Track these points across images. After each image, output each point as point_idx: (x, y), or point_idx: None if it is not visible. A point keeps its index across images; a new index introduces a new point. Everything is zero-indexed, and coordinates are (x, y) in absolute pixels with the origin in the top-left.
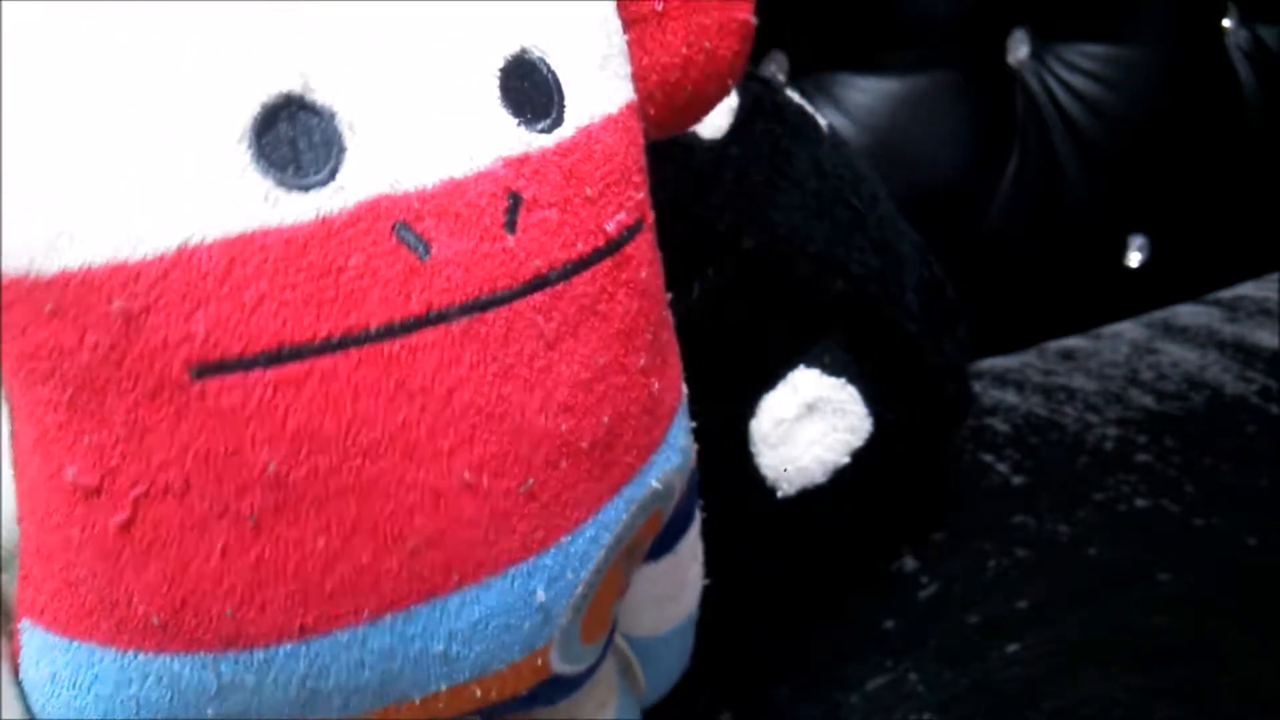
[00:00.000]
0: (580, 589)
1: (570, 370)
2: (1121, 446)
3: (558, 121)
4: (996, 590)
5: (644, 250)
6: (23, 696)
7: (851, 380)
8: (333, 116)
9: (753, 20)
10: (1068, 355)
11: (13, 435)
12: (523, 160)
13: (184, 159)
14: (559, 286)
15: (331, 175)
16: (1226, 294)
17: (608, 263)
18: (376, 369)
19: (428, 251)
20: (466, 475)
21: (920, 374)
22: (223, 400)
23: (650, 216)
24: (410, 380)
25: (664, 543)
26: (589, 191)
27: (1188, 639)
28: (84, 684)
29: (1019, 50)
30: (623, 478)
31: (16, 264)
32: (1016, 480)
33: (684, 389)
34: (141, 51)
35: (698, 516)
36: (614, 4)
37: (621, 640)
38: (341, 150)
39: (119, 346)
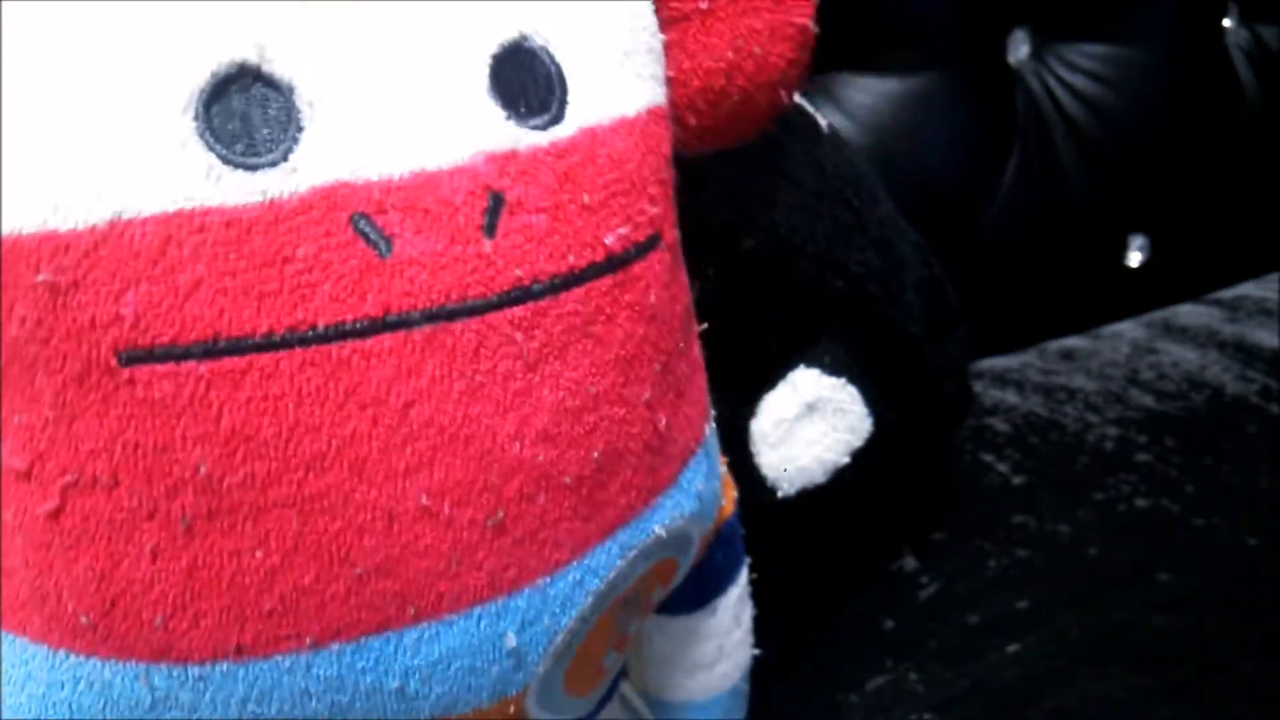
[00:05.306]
0: (562, 637)
1: (553, 395)
2: (1121, 446)
3: (556, 119)
4: (996, 590)
5: (657, 271)
6: None
7: (851, 380)
8: (291, 91)
9: (811, 26)
10: (1068, 355)
11: None
12: (509, 157)
13: (124, 126)
14: (544, 302)
15: (285, 156)
16: (1226, 294)
17: (606, 280)
18: (323, 372)
19: (389, 248)
20: (424, 500)
21: (920, 374)
22: (152, 391)
23: (672, 234)
24: (362, 389)
25: (694, 598)
26: (587, 199)
27: (1188, 639)
28: (18, 681)
29: (1019, 50)
30: (617, 520)
31: None
32: (1016, 480)
33: (709, 431)
34: (87, 12)
35: (743, 579)
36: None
37: (636, 698)
38: (299, 129)
39: (45, 323)
